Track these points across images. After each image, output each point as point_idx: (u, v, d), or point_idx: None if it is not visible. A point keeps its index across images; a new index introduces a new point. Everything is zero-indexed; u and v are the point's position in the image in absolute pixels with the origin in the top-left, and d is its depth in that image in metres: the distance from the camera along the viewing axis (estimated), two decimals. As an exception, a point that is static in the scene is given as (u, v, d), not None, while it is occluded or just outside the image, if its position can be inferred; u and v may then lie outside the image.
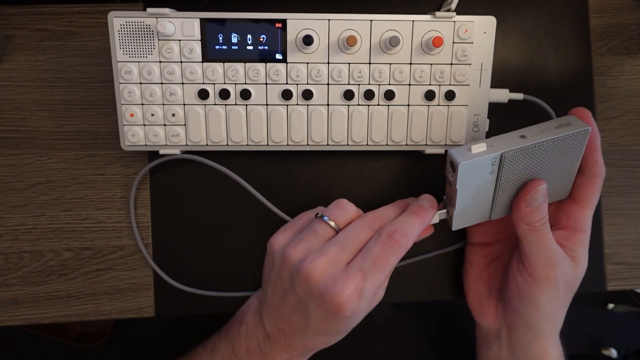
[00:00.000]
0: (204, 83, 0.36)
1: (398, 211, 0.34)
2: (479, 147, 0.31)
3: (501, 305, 0.38)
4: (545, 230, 0.32)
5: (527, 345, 0.36)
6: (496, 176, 0.32)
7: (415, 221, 0.32)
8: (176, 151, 0.38)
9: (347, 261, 0.31)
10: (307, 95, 0.36)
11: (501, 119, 0.39)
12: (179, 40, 0.35)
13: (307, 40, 0.35)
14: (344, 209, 0.34)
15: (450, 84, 0.37)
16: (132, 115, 0.36)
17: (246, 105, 0.37)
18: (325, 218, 0.33)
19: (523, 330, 0.36)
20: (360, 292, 0.30)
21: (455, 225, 0.35)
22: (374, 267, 0.30)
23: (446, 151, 0.39)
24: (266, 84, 0.36)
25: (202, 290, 0.40)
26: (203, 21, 0.35)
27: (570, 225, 0.35)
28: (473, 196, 0.33)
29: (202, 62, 0.36)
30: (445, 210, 0.35)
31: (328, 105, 0.37)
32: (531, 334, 0.36)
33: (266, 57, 0.36)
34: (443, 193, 0.42)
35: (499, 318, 0.38)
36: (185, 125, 0.37)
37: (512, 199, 0.34)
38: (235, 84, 0.36)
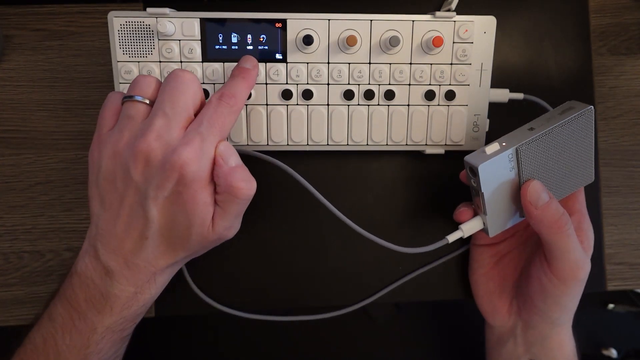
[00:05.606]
0: (203, 83, 0.36)
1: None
2: (493, 147, 0.31)
3: (516, 302, 0.37)
4: (570, 230, 0.32)
5: (544, 339, 0.36)
6: (517, 172, 0.32)
7: (240, 82, 0.32)
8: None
9: (178, 127, 0.29)
10: (307, 95, 0.36)
11: (501, 119, 0.39)
12: (179, 40, 0.35)
13: (307, 40, 0.35)
14: (144, 81, 0.31)
15: (450, 84, 0.37)
16: (132, 115, 0.36)
17: (246, 105, 0.37)
18: (137, 98, 0.30)
19: (541, 325, 0.36)
20: (199, 153, 0.29)
21: (492, 232, 0.34)
22: (210, 129, 0.29)
23: (446, 151, 0.39)
24: (266, 83, 0.36)
25: (222, 306, 0.40)
26: (203, 21, 0.35)
27: (577, 208, 0.35)
28: (501, 197, 0.33)
29: (202, 62, 0.36)
30: (480, 220, 0.34)
31: (328, 105, 0.37)
32: (549, 328, 0.36)
33: (266, 57, 0.36)
34: (443, 193, 0.41)
35: (513, 315, 0.38)
36: (185, 125, 0.37)
37: None
38: (235, 84, 0.36)
